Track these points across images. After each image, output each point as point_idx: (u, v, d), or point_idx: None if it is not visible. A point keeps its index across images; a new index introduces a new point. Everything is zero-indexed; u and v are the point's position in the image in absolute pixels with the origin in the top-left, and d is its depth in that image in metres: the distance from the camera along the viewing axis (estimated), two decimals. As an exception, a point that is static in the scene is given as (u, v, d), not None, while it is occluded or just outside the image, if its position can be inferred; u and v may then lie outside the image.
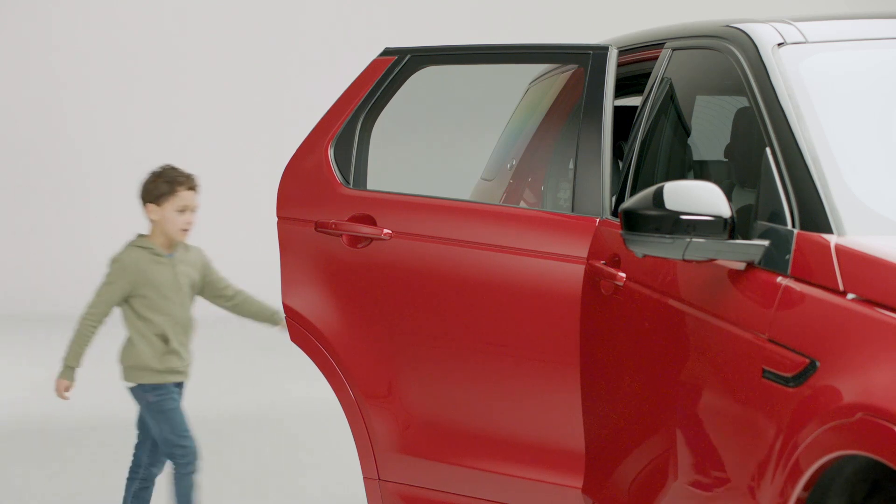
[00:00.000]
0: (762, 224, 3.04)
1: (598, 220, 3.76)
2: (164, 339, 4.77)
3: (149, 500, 4.94)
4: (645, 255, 3.14)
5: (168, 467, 4.86)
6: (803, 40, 3.38)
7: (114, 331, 5.09)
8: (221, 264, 5.18)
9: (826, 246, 2.82)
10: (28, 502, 5.70)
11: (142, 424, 4.91)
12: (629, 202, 3.06)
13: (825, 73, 3.29)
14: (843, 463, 2.63)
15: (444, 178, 6.44)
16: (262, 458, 6.41)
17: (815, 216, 2.92)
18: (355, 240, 4.08)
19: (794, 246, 2.90)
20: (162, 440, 4.77)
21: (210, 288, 4.96)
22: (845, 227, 2.87)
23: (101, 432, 6.91)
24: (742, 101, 3.47)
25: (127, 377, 4.81)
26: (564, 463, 3.77)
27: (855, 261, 2.75)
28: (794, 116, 3.13)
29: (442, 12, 12.63)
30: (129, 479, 4.92)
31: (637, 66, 4.19)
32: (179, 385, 4.86)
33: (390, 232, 4.02)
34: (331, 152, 4.18)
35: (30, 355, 9.60)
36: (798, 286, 2.84)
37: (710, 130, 4.03)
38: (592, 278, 3.67)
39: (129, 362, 4.79)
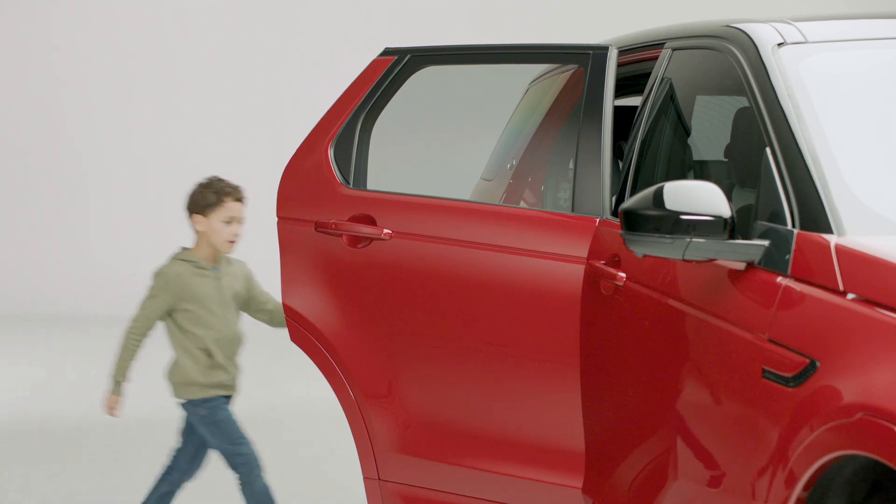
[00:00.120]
0: (762, 224, 3.04)
1: (598, 220, 3.76)
2: (208, 354, 4.73)
3: None
4: (645, 255, 3.14)
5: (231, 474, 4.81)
6: (803, 40, 3.38)
7: (115, 332, 5.08)
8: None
9: (826, 246, 2.82)
10: (28, 502, 5.70)
11: (186, 433, 4.86)
12: (629, 202, 3.06)
13: (825, 73, 3.29)
14: (843, 463, 2.63)
15: (444, 178, 6.43)
16: (261, 458, 6.39)
17: (815, 216, 2.92)
18: (355, 240, 4.08)
19: (794, 246, 2.90)
20: (220, 451, 4.75)
21: (254, 302, 4.93)
22: (845, 227, 2.87)
23: (101, 432, 6.90)
24: (742, 101, 3.46)
25: (176, 394, 4.78)
26: (564, 463, 3.77)
27: (855, 261, 2.75)
28: (794, 116, 3.13)
29: (442, 12, 12.63)
30: (160, 479, 4.86)
31: (637, 66, 4.19)
32: (227, 398, 4.83)
33: (390, 232, 4.01)
34: (331, 152, 4.17)
35: (30, 355, 9.60)
36: (798, 286, 2.84)
37: (710, 130, 4.03)
38: (592, 278, 3.67)
39: (175, 379, 4.77)
